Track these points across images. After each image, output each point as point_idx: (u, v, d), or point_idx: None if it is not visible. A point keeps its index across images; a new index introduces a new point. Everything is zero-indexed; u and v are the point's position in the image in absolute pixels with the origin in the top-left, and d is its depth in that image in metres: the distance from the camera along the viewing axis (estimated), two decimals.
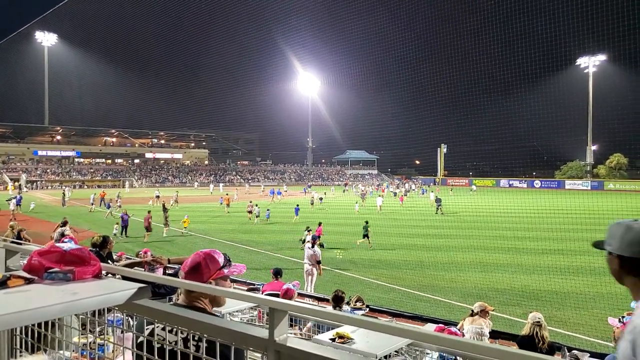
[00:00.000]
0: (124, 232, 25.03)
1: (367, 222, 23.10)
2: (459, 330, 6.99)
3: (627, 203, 41.83)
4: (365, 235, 22.45)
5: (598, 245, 2.20)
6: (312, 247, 14.81)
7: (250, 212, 33.06)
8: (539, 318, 5.76)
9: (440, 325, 6.79)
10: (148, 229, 24.72)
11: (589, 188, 75.51)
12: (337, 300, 7.19)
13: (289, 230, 26.61)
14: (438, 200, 38.86)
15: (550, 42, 58.79)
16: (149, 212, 25.91)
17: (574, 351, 6.74)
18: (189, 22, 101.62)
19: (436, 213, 37.44)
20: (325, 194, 53.31)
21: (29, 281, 1.77)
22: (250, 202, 34.90)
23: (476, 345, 1.33)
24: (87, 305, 1.63)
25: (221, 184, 74.37)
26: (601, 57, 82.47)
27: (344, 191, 67.25)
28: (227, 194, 43.33)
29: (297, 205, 34.65)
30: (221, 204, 40.94)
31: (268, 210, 33.66)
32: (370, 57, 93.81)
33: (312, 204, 42.72)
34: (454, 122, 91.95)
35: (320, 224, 22.07)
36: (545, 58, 65.00)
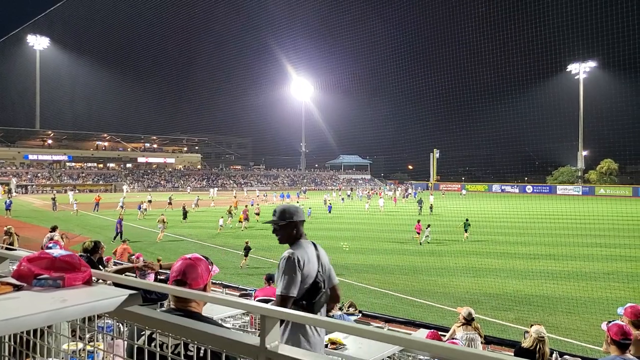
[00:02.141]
0: (119, 237, 24.89)
1: (467, 220, 27.02)
2: (449, 336, 6.99)
3: (617, 208, 42.12)
4: (466, 231, 26.54)
5: (271, 221, 3.52)
6: None
7: (257, 214, 34.17)
8: (543, 334, 5.71)
9: (432, 330, 6.79)
10: (247, 219, 30.87)
11: (580, 193, 76.06)
12: None
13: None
14: (420, 202, 43.78)
15: (542, 48, 59.36)
16: (246, 206, 33.40)
17: (565, 356, 6.76)
18: (181, 26, 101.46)
19: (419, 214, 40.46)
20: (326, 197, 55.67)
21: (17, 288, 1.75)
22: (258, 205, 37.21)
23: (468, 353, 1.33)
24: (76, 313, 1.61)
25: (215, 189, 74.11)
26: (591, 64, 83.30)
27: (347, 195, 68.41)
28: (234, 197, 46.40)
29: (330, 204, 43.44)
30: (252, 205, 41.80)
31: (310, 208, 38.17)
32: (364, 63, 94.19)
33: (325, 203, 47.96)
34: (446, 127, 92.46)
35: (419, 221, 26.33)
36: (537, 64, 65.64)
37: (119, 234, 25.13)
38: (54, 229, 12.92)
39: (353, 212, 42.82)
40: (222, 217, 30.34)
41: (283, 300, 3.20)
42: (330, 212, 40.70)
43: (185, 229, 29.80)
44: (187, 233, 27.87)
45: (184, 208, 34.62)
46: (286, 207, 3.55)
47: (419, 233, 25.53)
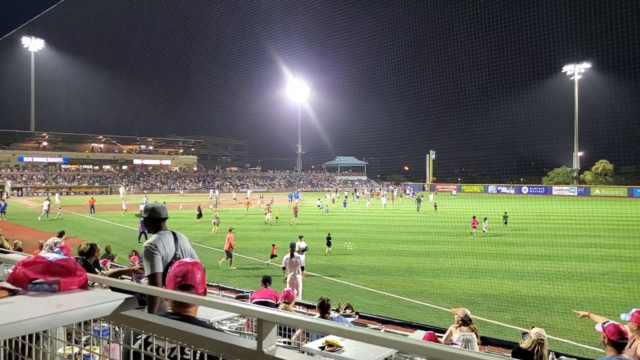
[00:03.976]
0: (144, 237, 25.07)
1: (506, 213, 31.08)
2: (445, 337, 6.99)
3: (612, 209, 42.29)
4: (505, 223, 30.60)
5: (139, 215, 5.13)
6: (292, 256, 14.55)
7: (266, 214, 35.41)
8: (543, 336, 5.72)
9: (429, 332, 6.79)
10: (295, 215, 34.63)
11: (576, 194, 76.34)
12: (323, 308, 7.15)
13: (278, 238, 26.50)
14: (418, 201, 47.21)
15: (537, 49, 59.57)
16: (296, 203, 39.51)
17: (561, 357, 6.78)
18: (178, 28, 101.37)
19: (417, 211, 44.28)
20: (326, 198, 58.55)
21: (13, 292, 1.74)
22: (268, 205, 38.24)
23: (464, 355, 1.33)
24: (72, 317, 1.60)
25: (211, 190, 73.98)
26: (586, 65, 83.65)
27: (346, 196, 69.43)
28: (246, 198, 48.64)
29: (345, 201, 50.04)
30: (271, 203, 42.88)
31: (327, 206, 44.70)
32: (360, 64, 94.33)
33: (333, 201, 54.08)
34: (442, 128, 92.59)
35: (474, 217, 28.39)
36: (532, 65, 65.78)
37: (143, 234, 25.17)
38: (61, 234, 12.60)
39: (357, 211, 45.64)
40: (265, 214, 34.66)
41: (154, 277, 3.86)
42: (345, 206, 47.30)
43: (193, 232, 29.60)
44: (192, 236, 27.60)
45: (198, 208, 35.28)
46: (149, 206, 4.32)
47: (475, 227, 28.16)
